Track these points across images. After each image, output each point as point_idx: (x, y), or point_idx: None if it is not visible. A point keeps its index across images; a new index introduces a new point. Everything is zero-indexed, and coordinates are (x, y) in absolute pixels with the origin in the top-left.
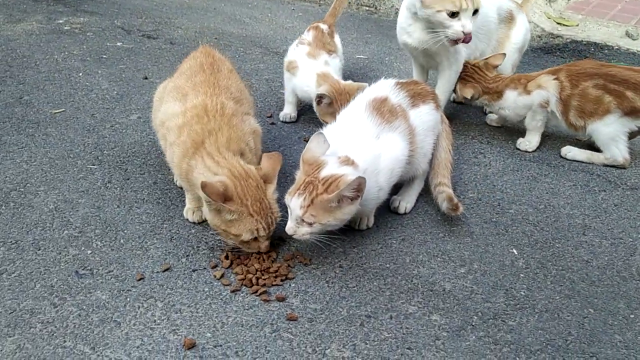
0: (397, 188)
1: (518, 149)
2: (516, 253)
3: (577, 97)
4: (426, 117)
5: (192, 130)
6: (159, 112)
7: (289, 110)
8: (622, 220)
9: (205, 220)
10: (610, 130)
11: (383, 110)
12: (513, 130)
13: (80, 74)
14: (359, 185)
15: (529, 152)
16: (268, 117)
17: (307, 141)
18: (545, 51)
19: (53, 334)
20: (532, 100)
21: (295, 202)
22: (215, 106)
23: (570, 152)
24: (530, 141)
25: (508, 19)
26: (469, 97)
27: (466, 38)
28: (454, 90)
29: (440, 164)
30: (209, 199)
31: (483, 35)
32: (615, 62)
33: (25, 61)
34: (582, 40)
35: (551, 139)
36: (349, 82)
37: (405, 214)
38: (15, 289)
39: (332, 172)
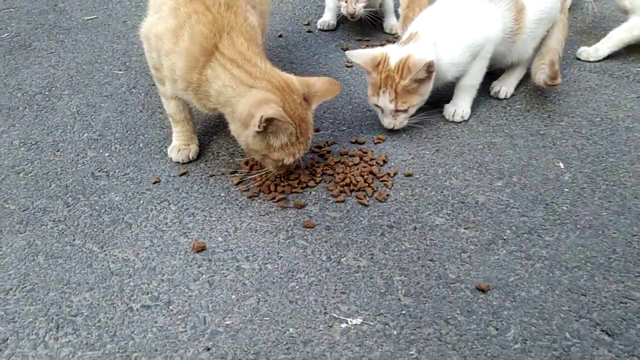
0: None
1: (579, 59)
2: (562, 167)
3: None
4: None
5: (194, 32)
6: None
7: (328, 18)
8: None
9: (193, 160)
10: None
11: None
12: (573, 40)
13: None
14: (429, 67)
15: (590, 61)
16: (305, 24)
17: (344, 49)
18: None
19: (63, 232)
20: None
21: (383, 99)
22: None
23: None
24: (598, 49)
25: None
26: None
27: None
28: None
29: (550, 51)
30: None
31: None
32: None
33: None
34: None
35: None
36: None
37: (505, 98)
38: (30, 187)
39: (399, 57)
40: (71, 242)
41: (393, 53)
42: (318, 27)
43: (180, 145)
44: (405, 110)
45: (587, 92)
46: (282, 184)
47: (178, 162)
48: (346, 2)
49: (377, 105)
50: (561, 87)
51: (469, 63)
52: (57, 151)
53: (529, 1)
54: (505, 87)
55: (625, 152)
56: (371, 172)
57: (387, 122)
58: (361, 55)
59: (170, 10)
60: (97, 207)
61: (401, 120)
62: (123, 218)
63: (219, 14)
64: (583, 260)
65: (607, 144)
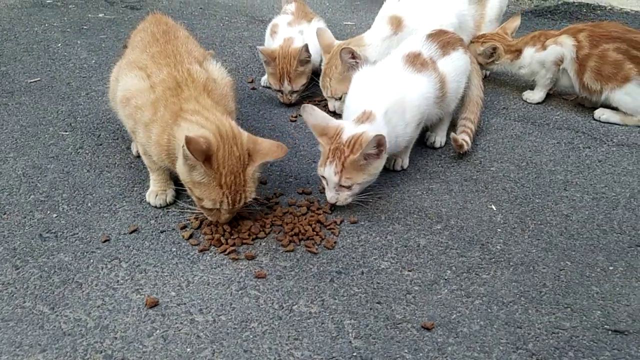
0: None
1: (525, 101)
2: (495, 209)
3: (596, 57)
4: (458, 62)
5: (168, 103)
6: (118, 89)
7: None
8: (605, 175)
9: (170, 204)
10: (632, 99)
11: (416, 62)
12: (499, 91)
13: (59, 45)
14: (379, 142)
15: (532, 103)
16: (249, 82)
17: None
18: (536, 14)
19: (13, 295)
20: (547, 56)
21: (328, 171)
22: (183, 75)
23: (604, 114)
24: (534, 94)
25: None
26: (490, 52)
27: None
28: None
29: (472, 100)
30: (189, 155)
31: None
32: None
33: (4, 34)
34: (574, 2)
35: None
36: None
37: (440, 147)
38: None
39: (352, 133)
40: (21, 305)
41: (348, 128)
42: (262, 84)
43: (157, 190)
44: (349, 187)
45: (513, 139)
46: (232, 236)
47: (156, 207)
48: (281, 94)
49: (322, 177)
50: (490, 135)
51: (417, 132)
52: (4, 214)
53: (447, 69)
54: (439, 137)
55: (550, 194)
56: (319, 221)
57: (330, 196)
58: (316, 117)
59: (150, 88)
60: (46, 269)
61: (344, 197)
62: (73, 278)
63: (186, 86)
64: (517, 295)
65: (533, 186)
